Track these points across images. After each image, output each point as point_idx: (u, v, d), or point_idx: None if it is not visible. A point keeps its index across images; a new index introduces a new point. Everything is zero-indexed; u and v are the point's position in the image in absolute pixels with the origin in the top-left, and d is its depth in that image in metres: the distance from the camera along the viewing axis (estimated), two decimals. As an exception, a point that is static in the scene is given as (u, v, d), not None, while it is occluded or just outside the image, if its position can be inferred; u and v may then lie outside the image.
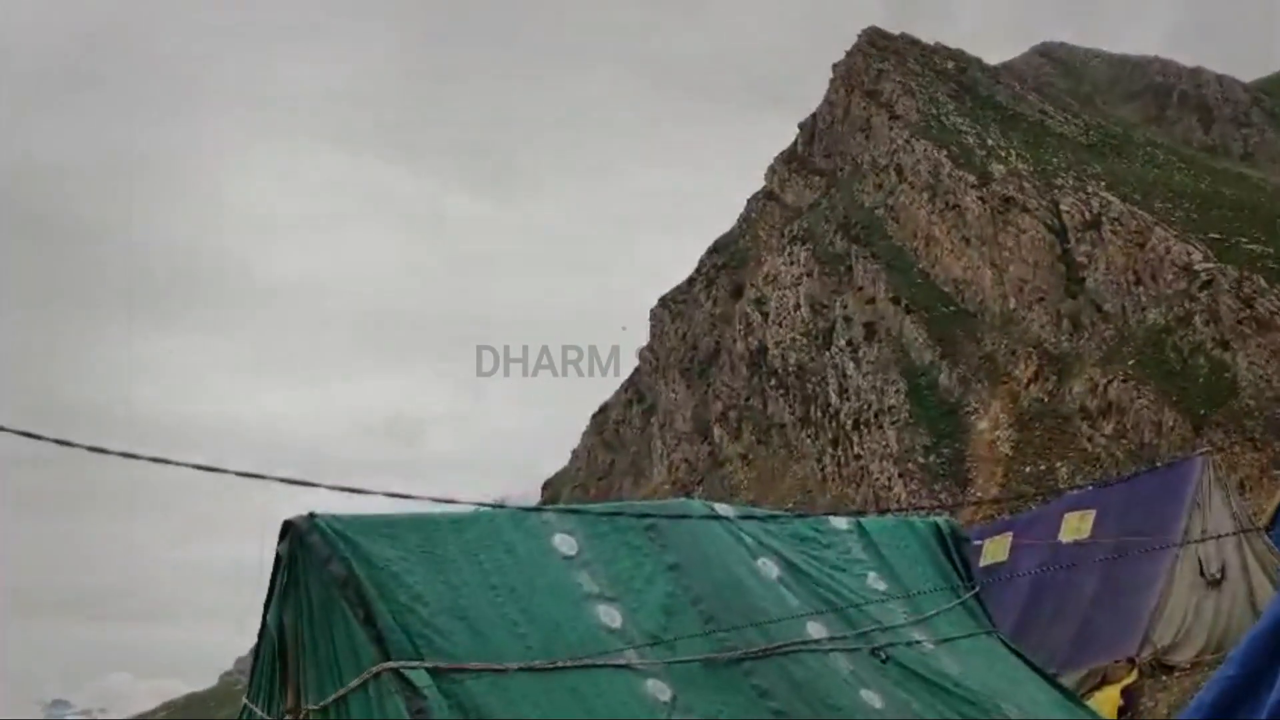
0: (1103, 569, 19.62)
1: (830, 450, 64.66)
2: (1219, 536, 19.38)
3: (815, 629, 10.30)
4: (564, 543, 9.71)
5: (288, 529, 8.77)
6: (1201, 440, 44.89)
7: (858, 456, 62.01)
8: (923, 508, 47.93)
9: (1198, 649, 18.86)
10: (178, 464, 5.46)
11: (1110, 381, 53.57)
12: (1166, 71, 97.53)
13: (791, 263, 75.40)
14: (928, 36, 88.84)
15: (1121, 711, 17.01)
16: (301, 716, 8.67)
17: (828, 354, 68.00)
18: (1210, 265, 54.18)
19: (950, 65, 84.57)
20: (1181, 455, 33.05)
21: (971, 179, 66.92)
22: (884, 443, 60.01)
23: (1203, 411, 49.44)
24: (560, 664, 8.74)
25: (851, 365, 65.32)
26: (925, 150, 71.47)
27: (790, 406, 70.51)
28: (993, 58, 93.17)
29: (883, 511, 50.08)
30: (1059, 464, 52.64)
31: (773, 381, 72.70)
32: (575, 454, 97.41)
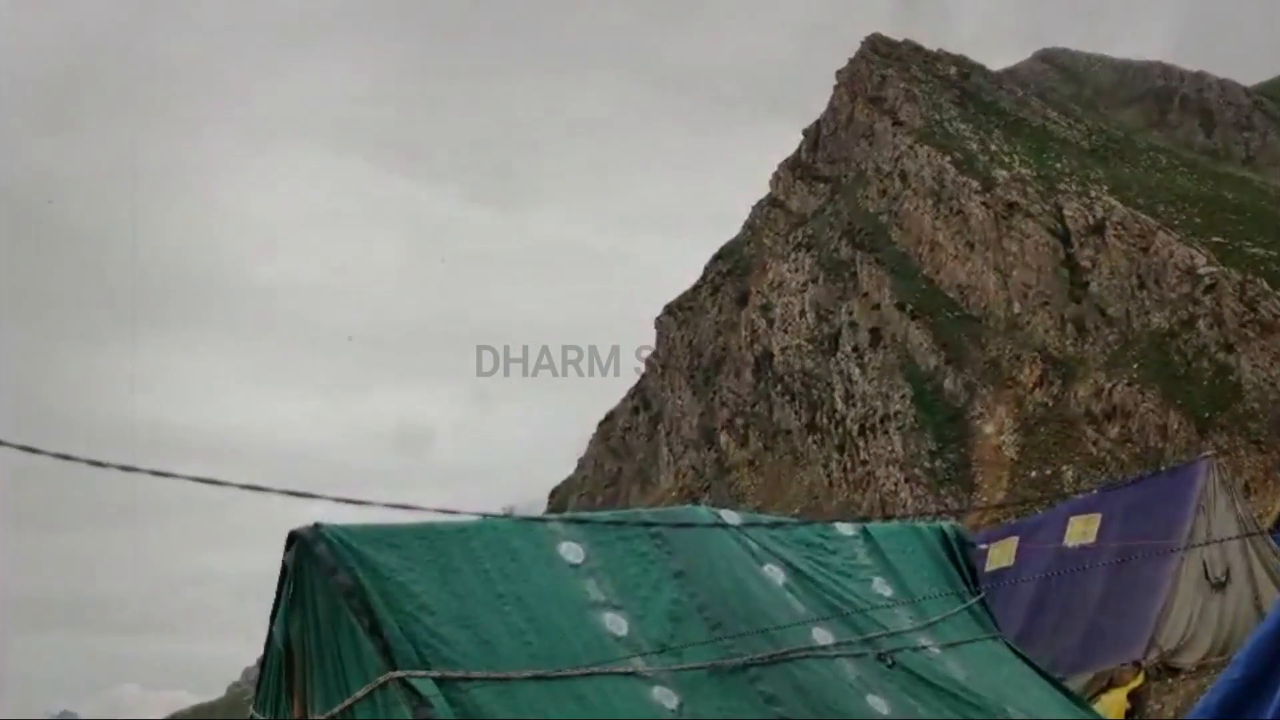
0: (1108, 573, 19.63)
1: (836, 456, 64.66)
2: (1224, 540, 19.38)
3: (821, 635, 10.30)
4: (570, 551, 9.72)
5: (293, 539, 8.79)
6: (1206, 443, 44.91)
7: (864, 462, 62.01)
8: (929, 513, 47.94)
9: (1203, 652, 18.87)
10: (178, 477, 5.47)
11: (1115, 385, 53.58)
12: (1168, 76, 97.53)
13: (796, 269, 75.42)
14: (930, 43, 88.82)
15: (1128, 715, 17.04)
16: (308, 726, 8.68)
17: (833, 360, 68.01)
18: (1214, 269, 54.16)
19: (953, 71, 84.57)
20: (1186, 459, 33.08)
21: (975, 184, 66.92)
22: (890, 448, 60.00)
23: (1207, 414, 49.43)
24: (567, 672, 8.75)
25: (857, 371, 65.33)
26: (929, 156, 71.47)
27: (796, 413, 70.50)
28: (995, 63, 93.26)
29: (888, 517, 50.10)
30: (1064, 468, 52.63)
31: (778, 388, 72.71)
32: (582, 462, 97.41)
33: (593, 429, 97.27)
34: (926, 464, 57.55)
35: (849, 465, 63.42)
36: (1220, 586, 19.56)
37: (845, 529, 11.92)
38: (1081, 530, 20.96)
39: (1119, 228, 59.33)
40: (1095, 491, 30.52)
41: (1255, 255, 55.40)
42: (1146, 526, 19.90)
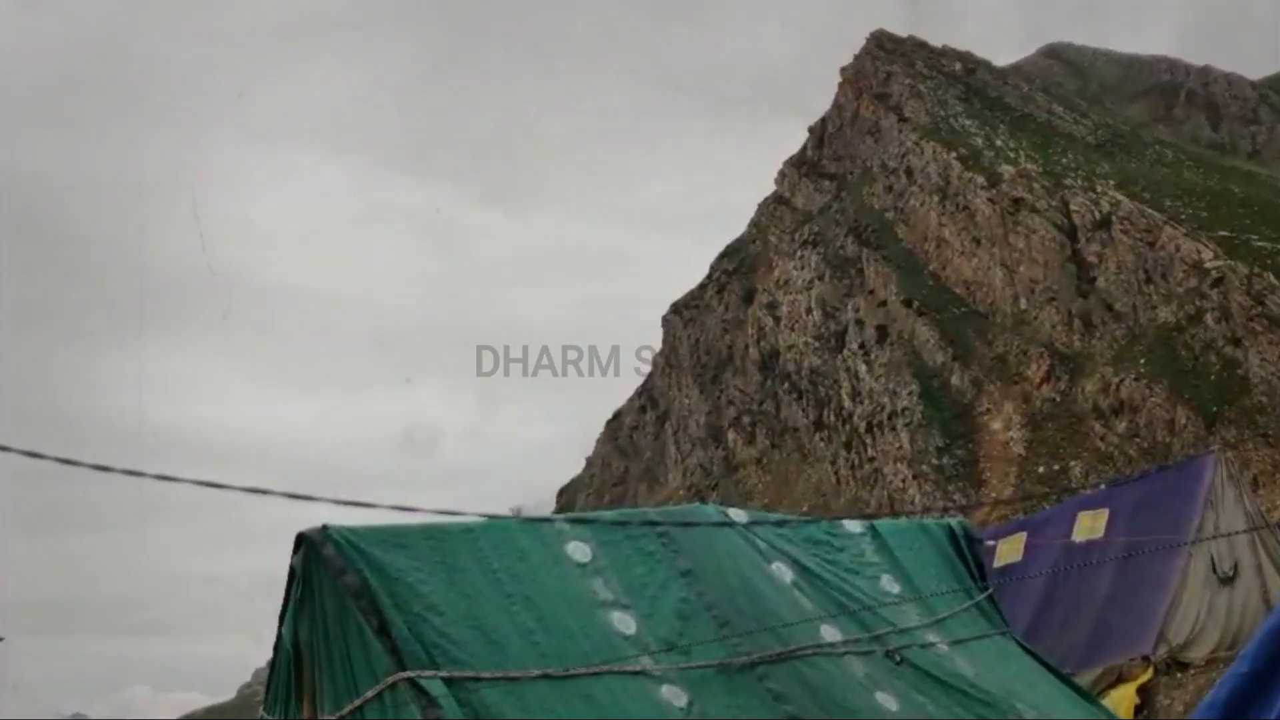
0: (1116, 568, 19.62)
1: (844, 453, 64.64)
2: (1232, 534, 19.38)
3: (829, 632, 10.31)
4: (577, 550, 9.73)
5: (301, 541, 8.80)
6: (1214, 437, 44.90)
7: (871, 459, 61.99)
8: (937, 509, 47.94)
9: (1212, 646, 18.88)
10: (182, 480, 5.49)
11: (1122, 380, 53.55)
12: (1174, 70, 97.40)
13: (802, 267, 75.41)
14: (935, 39, 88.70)
15: (1137, 710, 17.02)
16: (318, 727, 8.70)
17: (840, 357, 68.00)
18: (1220, 263, 54.14)
19: (958, 67, 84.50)
20: (1194, 453, 33.06)
21: (981, 180, 66.88)
22: (897, 445, 59.99)
23: (1215, 409, 49.41)
24: (575, 671, 8.76)
25: (864, 368, 65.31)
26: (934, 152, 71.43)
27: (803, 410, 70.50)
28: (1001, 59, 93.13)
29: (896, 514, 50.07)
30: (1072, 463, 52.62)
31: (785, 385, 72.71)
32: (589, 461, 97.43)
33: (600, 428, 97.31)
34: (934, 460, 57.54)
35: (856, 462, 63.41)
36: (1228, 581, 19.57)
37: (853, 526, 11.92)
38: (1089, 525, 20.96)
39: (1125, 222, 59.29)
40: (1103, 487, 30.53)
41: (1262, 249, 55.34)
42: (1154, 521, 19.89)
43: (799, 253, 76.68)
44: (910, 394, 61.31)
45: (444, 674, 8.28)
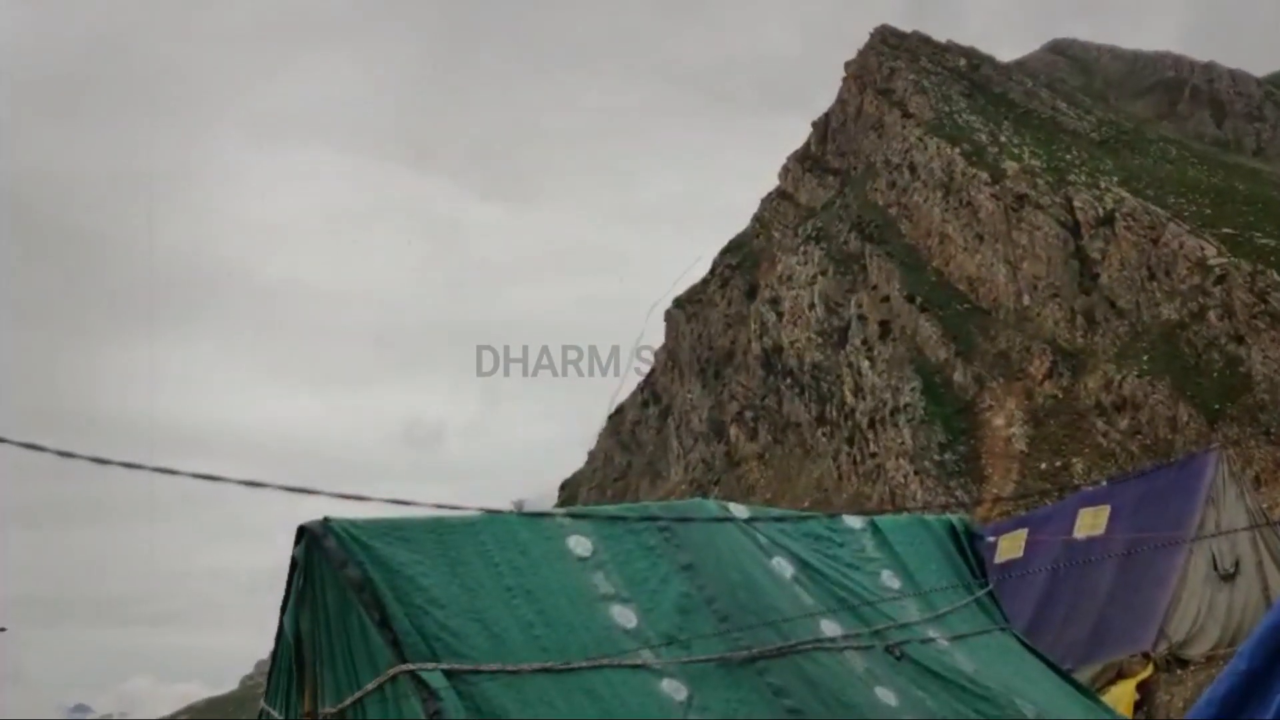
0: (1118, 564, 19.65)
1: (846, 449, 64.66)
2: (1233, 531, 19.40)
3: (830, 627, 10.31)
4: (579, 544, 9.74)
5: (302, 533, 8.82)
6: (1216, 435, 44.93)
7: (873, 455, 62.00)
8: (940, 506, 47.93)
9: (1212, 643, 18.90)
10: (180, 474, 5.50)
11: (1125, 377, 53.56)
12: (1179, 67, 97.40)
13: (805, 262, 75.44)
14: (940, 34, 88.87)
15: (1137, 706, 17.05)
16: None
17: (842, 353, 68.03)
18: (1224, 260, 54.14)
19: (962, 63, 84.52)
20: (1196, 450, 33.07)
21: (984, 176, 66.90)
22: (899, 440, 60.00)
23: (1217, 406, 49.42)
24: (575, 665, 8.77)
25: (866, 364, 65.33)
26: (938, 148, 71.45)
27: (806, 405, 70.55)
28: (1005, 55, 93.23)
29: (898, 510, 50.07)
30: (1074, 460, 52.63)
31: (788, 381, 72.76)
32: (592, 455, 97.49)
33: (602, 422, 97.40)
34: (936, 456, 57.55)
35: (859, 458, 63.43)
36: (1229, 578, 19.60)
37: (853, 521, 11.93)
38: (1091, 522, 20.99)
39: (1129, 219, 59.30)
40: (1104, 483, 30.55)
41: (1266, 246, 55.34)
42: (1156, 518, 19.93)
43: (802, 248, 76.70)
44: (913, 390, 61.33)
45: (445, 666, 8.29)
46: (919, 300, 65.56)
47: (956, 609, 11.42)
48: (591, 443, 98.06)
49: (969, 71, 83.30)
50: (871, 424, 62.90)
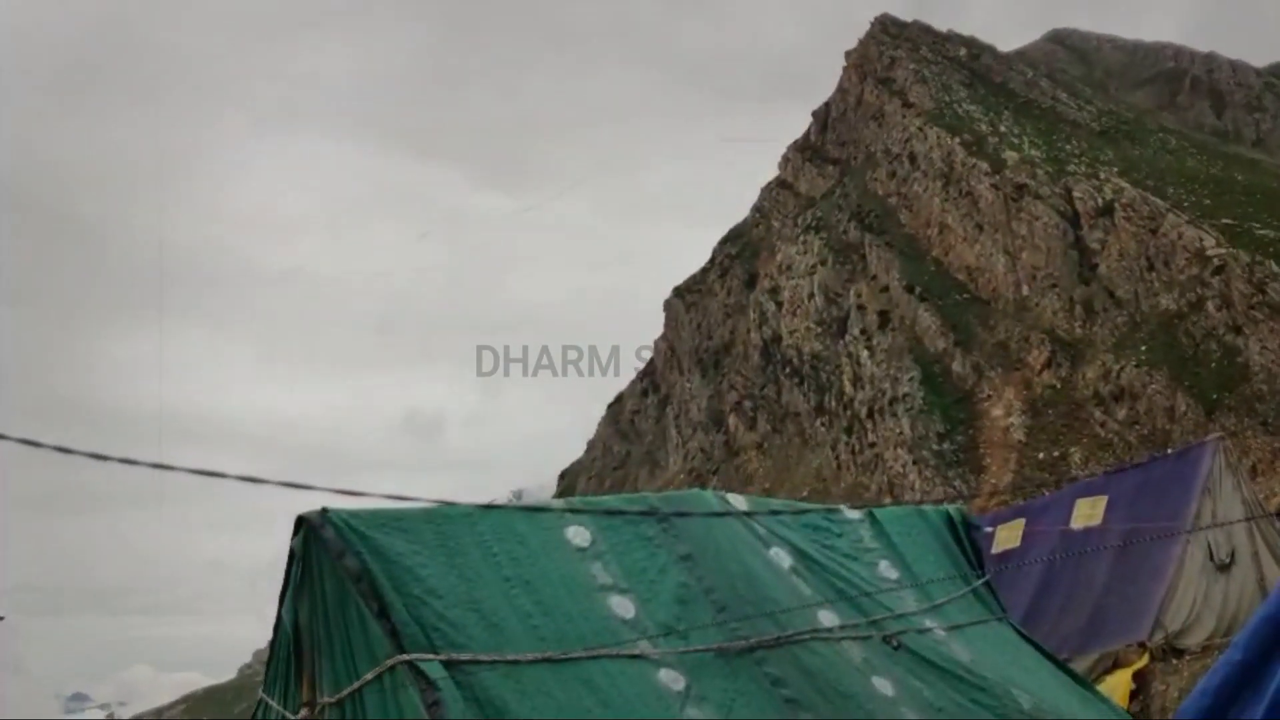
0: (1114, 554, 19.68)
1: (845, 438, 64.71)
2: (1230, 523, 19.43)
3: (827, 617, 10.34)
4: (577, 535, 9.76)
5: (301, 524, 8.84)
6: (1214, 425, 44.97)
7: (872, 444, 62.06)
8: (938, 497, 47.98)
9: (1208, 633, 18.91)
10: (177, 469, 5.52)
11: (1123, 367, 53.60)
12: (1179, 57, 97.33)
13: (805, 251, 75.45)
14: (940, 24, 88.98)
15: (1133, 695, 17.08)
16: (317, 710, 8.74)
17: (841, 342, 68.07)
18: (1222, 250, 54.16)
19: (963, 52, 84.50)
20: (1193, 440, 33.11)
21: (984, 166, 66.92)
22: (898, 430, 60.05)
23: (1215, 396, 49.47)
24: (574, 655, 8.78)
25: (865, 353, 65.37)
26: (938, 138, 71.46)
27: (804, 395, 70.59)
28: (1005, 45, 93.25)
29: (896, 500, 50.14)
30: (1072, 450, 52.70)
31: (787, 370, 72.78)
32: (590, 445, 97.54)
33: (601, 412, 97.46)
34: (935, 446, 57.60)
35: (857, 448, 63.47)
36: (1225, 568, 19.60)
37: (851, 512, 11.96)
38: (1088, 512, 21.01)
39: (1128, 209, 59.32)
40: (1101, 474, 30.59)
41: (1264, 237, 55.37)
42: (1152, 509, 19.94)
43: (801, 238, 76.72)
44: (911, 380, 61.38)
45: (443, 657, 8.30)
46: (918, 290, 65.61)
47: (953, 599, 11.44)
48: (590, 432, 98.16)
49: (969, 61, 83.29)
50: (870, 414, 62.94)
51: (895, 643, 10.45)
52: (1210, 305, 52.70)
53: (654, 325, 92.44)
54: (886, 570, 11.34)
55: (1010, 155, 67.10)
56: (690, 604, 9.69)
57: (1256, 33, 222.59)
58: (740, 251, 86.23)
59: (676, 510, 10.43)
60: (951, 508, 12.61)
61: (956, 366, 61.05)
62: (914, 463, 57.67)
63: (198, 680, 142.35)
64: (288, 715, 9.42)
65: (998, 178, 65.64)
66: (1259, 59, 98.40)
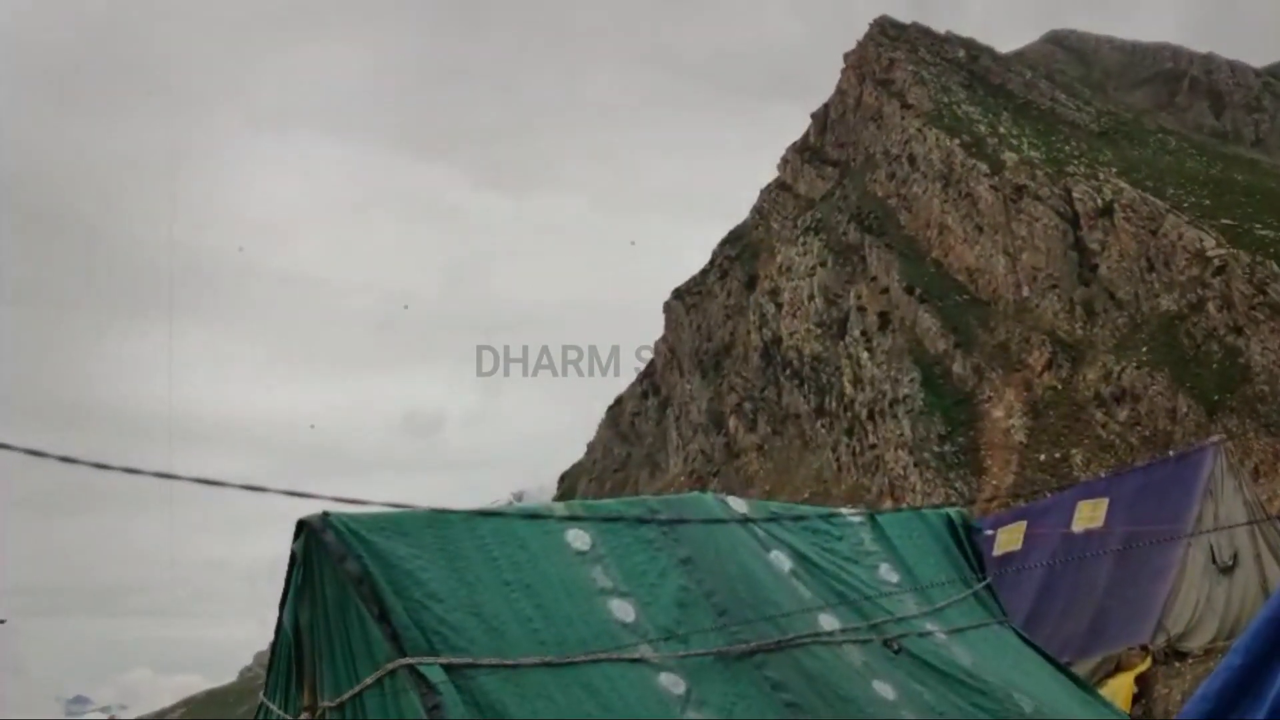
0: (1116, 557, 19.66)
1: (845, 440, 64.72)
2: (1232, 527, 19.41)
3: (828, 621, 10.33)
4: (577, 538, 9.75)
5: (302, 527, 8.83)
6: (1215, 426, 44.97)
7: (873, 446, 62.06)
8: (940, 500, 48.00)
9: (1211, 636, 18.88)
10: (180, 479, 5.52)
11: (1124, 368, 53.62)
12: (1178, 58, 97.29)
13: (805, 253, 75.46)
14: (939, 25, 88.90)
15: (1135, 699, 17.06)
16: (318, 713, 8.73)
17: (841, 344, 68.07)
18: (1223, 251, 54.18)
19: (962, 54, 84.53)
20: (1195, 442, 33.10)
21: (984, 167, 66.94)
22: (899, 432, 60.06)
23: (1216, 397, 49.48)
24: (574, 659, 8.78)
25: (865, 355, 65.38)
26: (937, 139, 71.47)
27: (805, 397, 70.59)
28: (1004, 46, 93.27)
29: (897, 502, 50.15)
30: (1073, 451, 52.70)
31: (787, 372, 72.79)
32: (591, 447, 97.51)
33: (602, 414, 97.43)
34: (935, 448, 57.60)
35: (858, 449, 63.48)
36: (1228, 570, 19.57)
37: (851, 515, 11.95)
38: (1089, 514, 20.98)
39: (1128, 210, 59.35)
40: (1103, 476, 30.58)
41: (1265, 237, 55.38)
42: (1154, 511, 19.93)
43: (801, 239, 76.74)
44: (912, 381, 61.39)
45: (443, 661, 8.30)
46: (918, 291, 65.62)
47: (954, 603, 11.43)
48: (591, 434, 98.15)
49: (968, 62, 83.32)
50: (871, 415, 62.95)
51: (896, 646, 10.44)
52: (1211, 306, 52.72)
53: (654, 326, 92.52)
54: (887, 573, 11.33)
55: (1009, 156, 67.13)
56: (690, 607, 9.68)
57: (1255, 33, 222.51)
58: (740, 253, 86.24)
59: (676, 516, 10.42)
60: (952, 510, 12.60)
61: (957, 368, 61.07)
62: (915, 464, 57.68)
63: (198, 683, 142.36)
64: (288, 719, 9.41)
65: (997, 179, 65.67)
66: (1258, 59, 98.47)
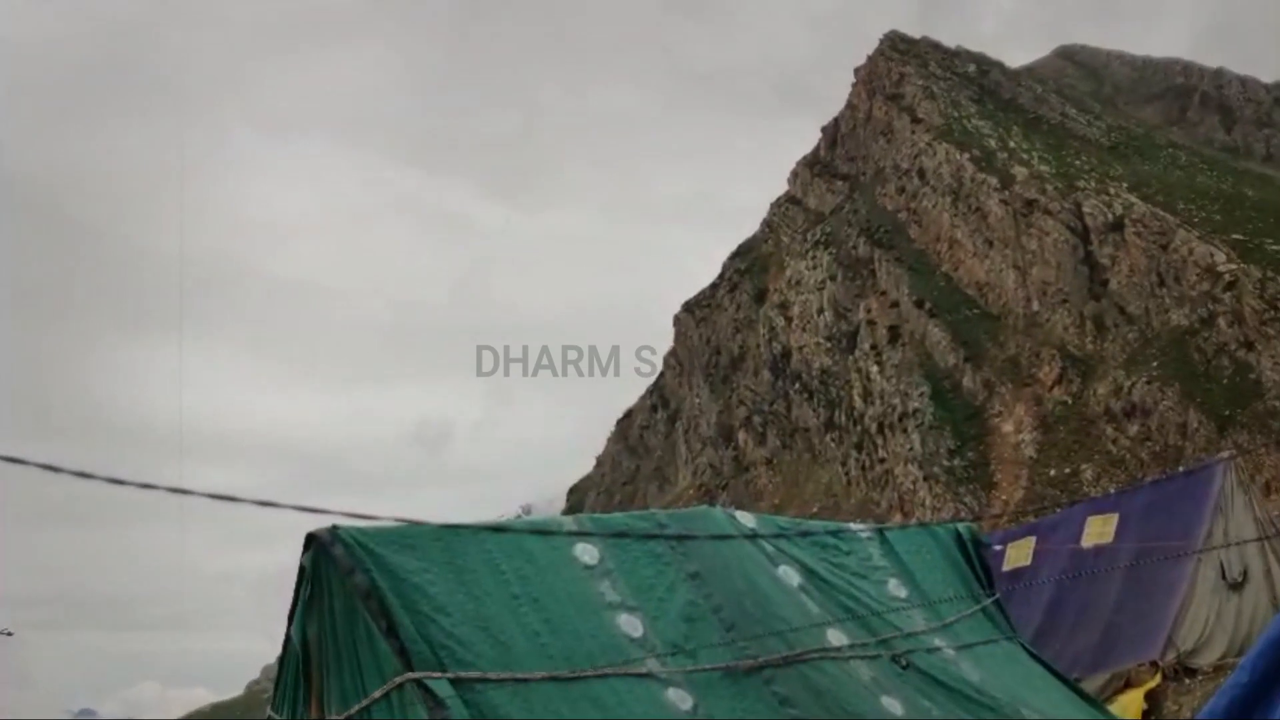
0: (1126, 573, 19.62)
1: (855, 454, 64.65)
2: (1242, 543, 19.36)
3: (836, 636, 10.31)
4: (585, 552, 9.74)
5: (311, 541, 8.83)
6: (1226, 441, 44.88)
7: (882, 460, 61.98)
8: (951, 514, 47.94)
9: (1220, 652, 18.84)
10: (191, 494, 5.52)
11: (1134, 383, 53.51)
12: (1188, 73, 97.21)
13: (814, 267, 75.44)
14: (949, 39, 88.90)
15: (1145, 715, 17.03)
16: (325, 727, 8.73)
17: (851, 358, 68.02)
18: (1233, 266, 54.10)
19: (972, 68, 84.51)
20: (1205, 458, 33.03)
21: (994, 182, 66.89)
22: (908, 446, 59.98)
23: (1227, 413, 49.37)
24: (582, 673, 8.77)
25: (875, 369, 65.32)
26: (947, 153, 71.44)
27: (814, 411, 70.52)
28: (1014, 60, 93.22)
29: (907, 516, 50.09)
30: (1084, 466, 52.58)
31: (797, 386, 72.73)
32: (599, 460, 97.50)
33: (611, 426, 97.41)
34: (945, 462, 57.52)
35: (867, 463, 63.41)
36: (1238, 586, 19.53)
37: (860, 530, 11.94)
38: (1099, 530, 20.95)
39: (1138, 225, 59.27)
40: (1113, 492, 30.53)
41: (1276, 253, 55.29)
42: (1164, 527, 19.89)
43: (811, 253, 76.72)
44: (922, 395, 61.32)
45: (451, 675, 8.29)
46: (928, 305, 65.57)
47: (963, 618, 11.41)
48: (600, 447, 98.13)
49: (978, 77, 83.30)
50: (880, 429, 62.88)
51: (904, 662, 10.42)
52: (1222, 321, 52.63)
53: (663, 338, 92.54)
54: (895, 589, 11.31)
55: (1019, 171, 67.09)
56: (698, 622, 9.67)
57: (1266, 48, 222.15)
58: (750, 267, 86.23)
59: (684, 531, 10.41)
60: (961, 525, 12.58)
61: (967, 382, 61.01)
62: (924, 479, 57.60)
63: (205, 696, 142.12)
64: (295, 733, 9.41)
65: (1007, 193, 65.63)
66: (1268, 74, 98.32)
